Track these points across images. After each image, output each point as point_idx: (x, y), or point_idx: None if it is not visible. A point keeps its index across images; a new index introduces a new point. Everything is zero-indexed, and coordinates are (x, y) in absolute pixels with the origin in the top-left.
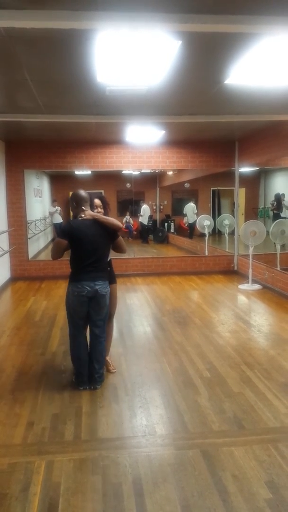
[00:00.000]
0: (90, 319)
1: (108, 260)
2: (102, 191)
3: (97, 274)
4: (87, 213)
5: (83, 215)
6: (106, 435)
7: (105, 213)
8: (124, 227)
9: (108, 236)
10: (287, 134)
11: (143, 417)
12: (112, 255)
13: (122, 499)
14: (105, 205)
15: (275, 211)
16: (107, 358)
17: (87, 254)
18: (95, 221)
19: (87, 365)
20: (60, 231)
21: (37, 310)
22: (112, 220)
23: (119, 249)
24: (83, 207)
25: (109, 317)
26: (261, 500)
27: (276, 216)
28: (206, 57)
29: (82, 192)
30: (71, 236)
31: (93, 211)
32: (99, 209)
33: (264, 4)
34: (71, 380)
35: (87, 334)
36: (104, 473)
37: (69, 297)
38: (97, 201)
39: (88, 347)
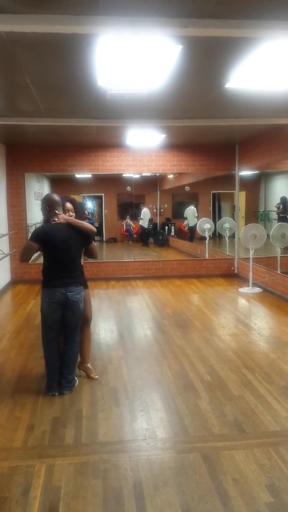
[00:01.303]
0: (64, 328)
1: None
2: (103, 194)
3: (69, 280)
4: (61, 216)
5: (56, 219)
6: (106, 438)
7: (78, 217)
8: (124, 230)
9: (81, 240)
10: (287, 138)
11: (143, 420)
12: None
13: (123, 503)
14: (78, 209)
15: (281, 215)
16: (88, 364)
17: (60, 258)
18: (68, 225)
19: (57, 372)
20: (32, 234)
21: (37, 313)
22: (86, 224)
23: (90, 255)
24: (56, 211)
25: (86, 323)
26: (262, 504)
27: (283, 220)
28: (206, 61)
29: (55, 196)
30: (43, 240)
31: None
32: (70, 213)
33: (264, 8)
34: None
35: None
36: (104, 476)
37: (42, 303)
38: (68, 205)
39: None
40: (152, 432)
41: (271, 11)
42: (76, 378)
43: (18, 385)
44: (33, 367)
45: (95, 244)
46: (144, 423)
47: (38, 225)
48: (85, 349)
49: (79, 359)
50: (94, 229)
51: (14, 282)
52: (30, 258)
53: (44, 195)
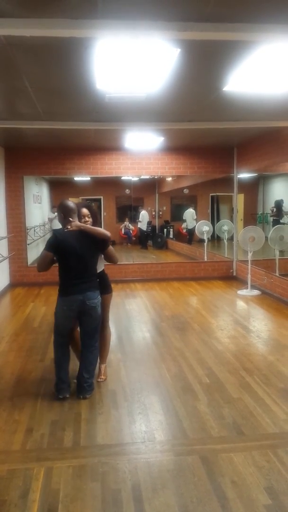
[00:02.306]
0: (82, 329)
1: (102, 270)
2: (102, 197)
3: (85, 286)
4: (73, 224)
5: (69, 227)
6: (105, 441)
7: (94, 223)
8: (123, 233)
9: (96, 246)
10: (286, 140)
11: (142, 423)
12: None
13: (121, 505)
14: (94, 215)
15: (274, 218)
16: (103, 366)
17: (74, 265)
18: (82, 232)
19: (67, 374)
20: (46, 243)
21: (36, 316)
22: (100, 230)
23: (110, 259)
24: (70, 218)
25: (104, 325)
26: (260, 506)
27: (276, 223)
28: (204, 65)
29: (70, 203)
30: (57, 249)
31: (80, 222)
32: (87, 219)
33: (262, 12)
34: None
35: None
36: (103, 479)
37: (57, 309)
38: (84, 211)
39: (76, 355)
40: (151, 435)
41: (269, 15)
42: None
43: (17, 388)
44: (32, 370)
45: (111, 248)
46: (142, 426)
47: (50, 234)
48: (101, 350)
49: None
50: (108, 234)
51: (13, 285)
52: (48, 267)
53: (43, 198)
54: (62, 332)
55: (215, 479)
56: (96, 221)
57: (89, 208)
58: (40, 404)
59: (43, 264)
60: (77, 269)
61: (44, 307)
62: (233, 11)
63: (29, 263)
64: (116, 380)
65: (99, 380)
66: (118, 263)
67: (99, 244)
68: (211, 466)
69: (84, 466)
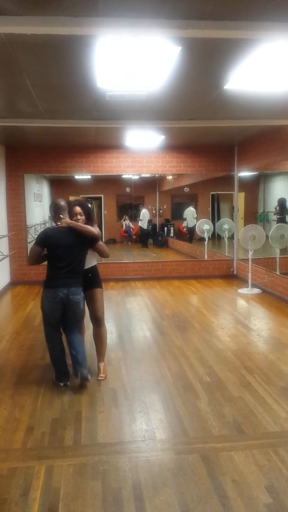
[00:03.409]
0: (65, 321)
1: (93, 265)
2: (102, 195)
3: (70, 281)
4: (63, 221)
5: (59, 223)
6: (105, 440)
7: (88, 221)
8: (123, 231)
9: (84, 243)
10: (286, 139)
11: (142, 421)
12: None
13: (122, 504)
14: (88, 212)
15: (279, 216)
16: (101, 364)
17: (61, 261)
18: (71, 229)
19: (65, 362)
20: (36, 238)
21: (37, 314)
22: (88, 227)
23: (101, 254)
24: (61, 215)
25: (99, 322)
26: (261, 505)
27: (281, 221)
28: (205, 63)
29: (60, 201)
30: (45, 243)
31: (72, 219)
32: (78, 217)
33: (263, 10)
34: (71, 385)
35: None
36: (104, 478)
37: (43, 301)
38: (77, 209)
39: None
40: (152, 433)
41: (270, 13)
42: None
43: (18, 387)
44: (33, 368)
45: (102, 243)
46: (143, 424)
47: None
48: (98, 348)
49: None
50: (96, 231)
51: (14, 283)
52: (39, 261)
53: (43, 196)
54: (52, 323)
55: (216, 478)
56: (90, 219)
57: (82, 206)
58: (41, 403)
59: (33, 257)
60: (64, 264)
61: None
62: (234, 9)
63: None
64: (116, 378)
65: (99, 378)
66: (121, 261)
67: (87, 241)
68: (211, 464)
69: (85, 464)
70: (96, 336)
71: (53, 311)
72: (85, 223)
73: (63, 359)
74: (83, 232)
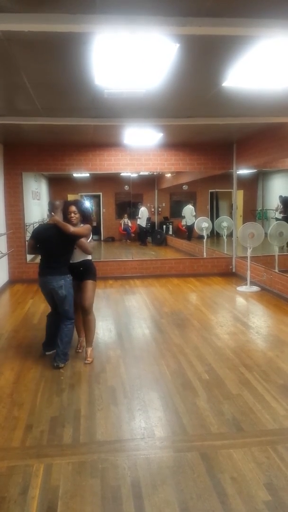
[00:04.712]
0: (57, 309)
1: (86, 259)
2: (101, 193)
3: (51, 271)
4: (52, 218)
5: (49, 220)
6: (104, 437)
7: (84, 219)
8: (122, 229)
9: (67, 239)
10: (285, 136)
11: (141, 419)
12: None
13: (121, 502)
14: (82, 211)
15: (284, 215)
16: (89, 349)
17: (44, 253)
18: (55, 226)
19: (52, 338)
20: (31, 233)
21: (35, 312)
22: (66, 225)
23: (82, 251)
24: (53, 213)
25: (86, 311)
26: (260, 502)
27: (286, 220)
28: (204, 60)
29: (55, 201)
30: (35, 237)
31: (67, 217)
32: (72, 215)
33: (261, 7)
34: (70, 383)
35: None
36: (102, 476)
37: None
38: (71, 207)
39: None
40: (150, 431)
41: (268, 10)
42: (68, 354)
43: (16, 385)
44: (31, 366)
45: (86, 241)
46: (142, 422)
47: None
48: (86, 334)
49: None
50: (70, 230)
51: (12, 281)
52: (35, 252)
53: (42, 194)
54: (49, 304)
55: (215, 475)
56: (86, 217)
57: (77, 205)
58: (40, 401)
59: (28, 248)
60: (48, 255)
61: (43, 303)
62: (233, 6)
63: (28, 260)
64: (115, 376)
65: (86, 362)
66: (119, 259)
67: (70, 238)
68: (210, 462)
69: (84, 462)
70: (84, 323)
71: (45, 296)
72: (80, 221)
73: (49, 333)
74: (61, 229)
